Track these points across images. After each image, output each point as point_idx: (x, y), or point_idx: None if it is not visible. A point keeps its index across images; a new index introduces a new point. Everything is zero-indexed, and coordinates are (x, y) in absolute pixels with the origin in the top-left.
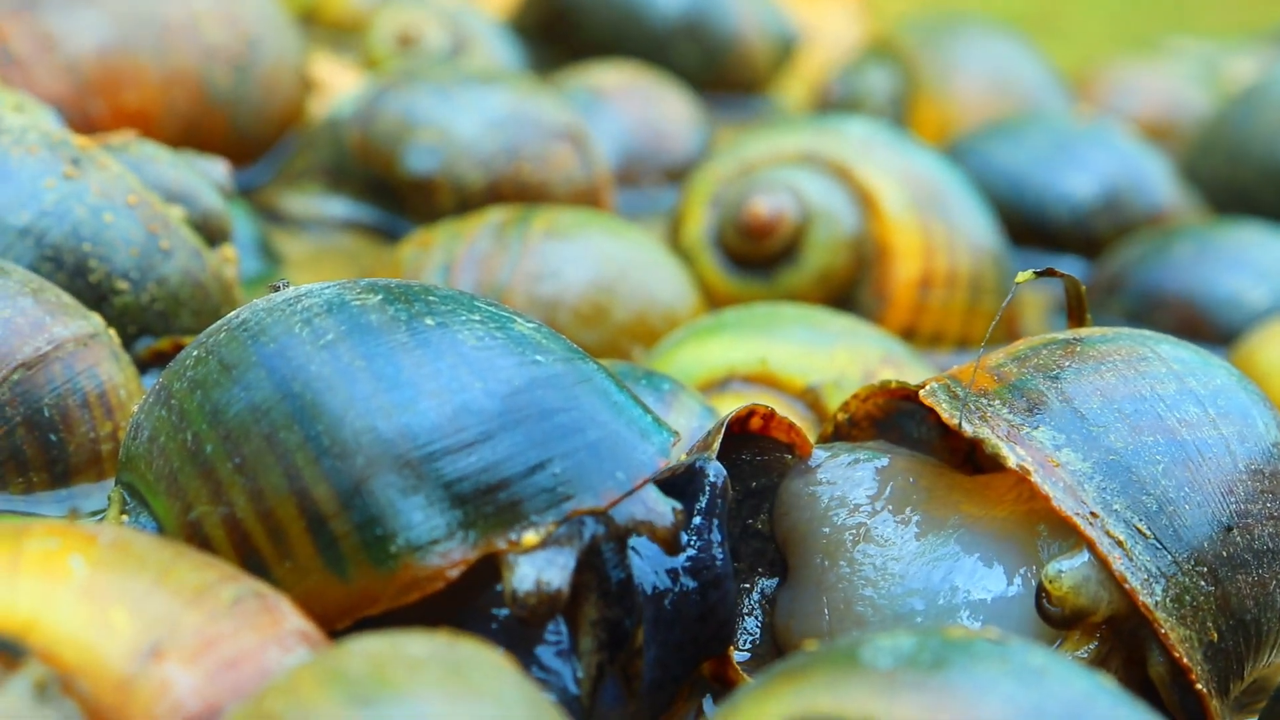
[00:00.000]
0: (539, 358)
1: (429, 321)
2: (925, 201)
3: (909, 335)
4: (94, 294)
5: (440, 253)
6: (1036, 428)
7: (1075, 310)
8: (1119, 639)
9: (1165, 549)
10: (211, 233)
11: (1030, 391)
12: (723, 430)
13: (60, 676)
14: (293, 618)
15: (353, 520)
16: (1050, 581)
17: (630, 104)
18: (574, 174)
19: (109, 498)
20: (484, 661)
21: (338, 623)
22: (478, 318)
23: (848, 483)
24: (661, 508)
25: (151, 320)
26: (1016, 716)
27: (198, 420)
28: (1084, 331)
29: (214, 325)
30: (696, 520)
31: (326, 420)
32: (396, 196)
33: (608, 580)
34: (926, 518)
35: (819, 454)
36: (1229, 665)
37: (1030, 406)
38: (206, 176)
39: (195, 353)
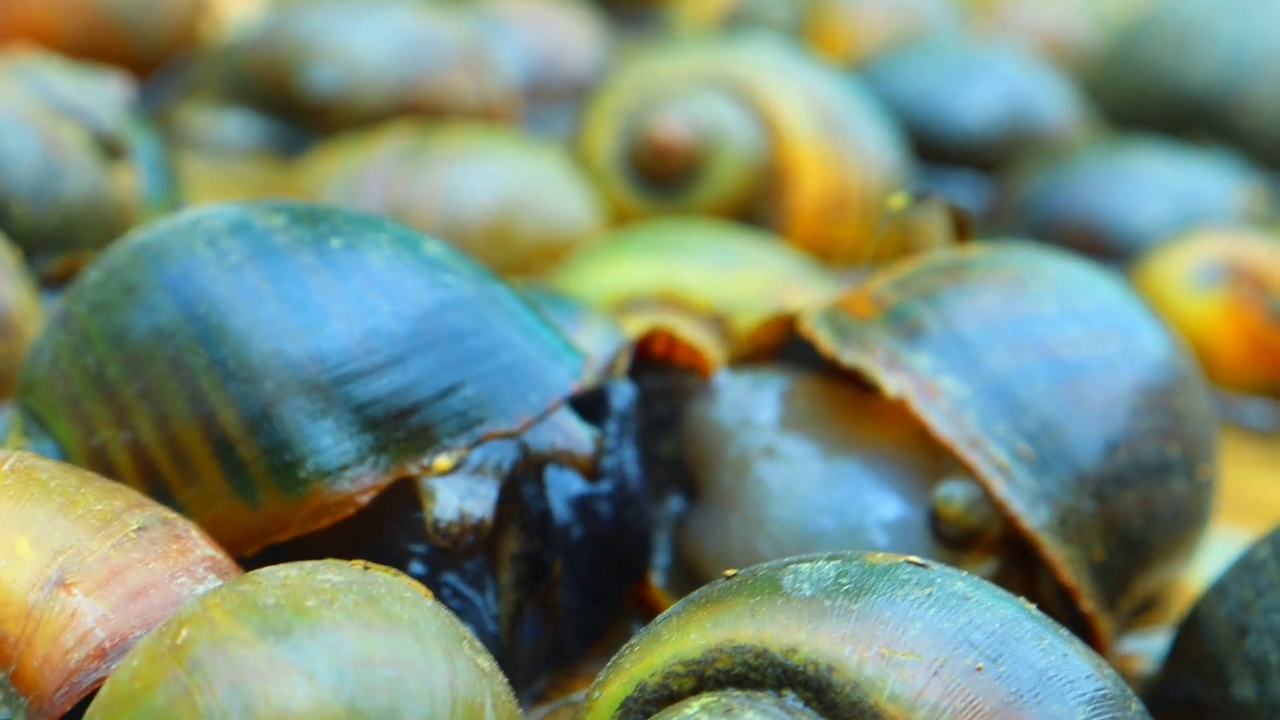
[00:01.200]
0: (448, 279)
1: (335, 242)
2: (829, 122)
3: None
4: None
5: (342, 172)
6: (916, 354)
7: (959, 232)
8: (1015, 557)
9: (1049, 470)
10: (110, 150)
11: (910, 317)
12: (630, 351)
13: None
14: (201, 545)
15: (260, 445)
16: (943, 503)
17: (530, 22)
18: (476, 94)
19: (9, 421)
20: (400, 590)
21: (246, 549)
22: (385, 238)
23: (752, 405)
24: (581, 435)
25: (49, 239)
26: (941, 644)
27: (100, 344)
28: (970, 253)
29: (114, 247)
30: (609, 443)
31: (232, 343)
32: (297, 115)
33: (529, 511)
34: (830, 439)
35: (722, 376)
36: (1116, 583)
37: (910, 332)
38: (104, 92)
39: (96, 275)
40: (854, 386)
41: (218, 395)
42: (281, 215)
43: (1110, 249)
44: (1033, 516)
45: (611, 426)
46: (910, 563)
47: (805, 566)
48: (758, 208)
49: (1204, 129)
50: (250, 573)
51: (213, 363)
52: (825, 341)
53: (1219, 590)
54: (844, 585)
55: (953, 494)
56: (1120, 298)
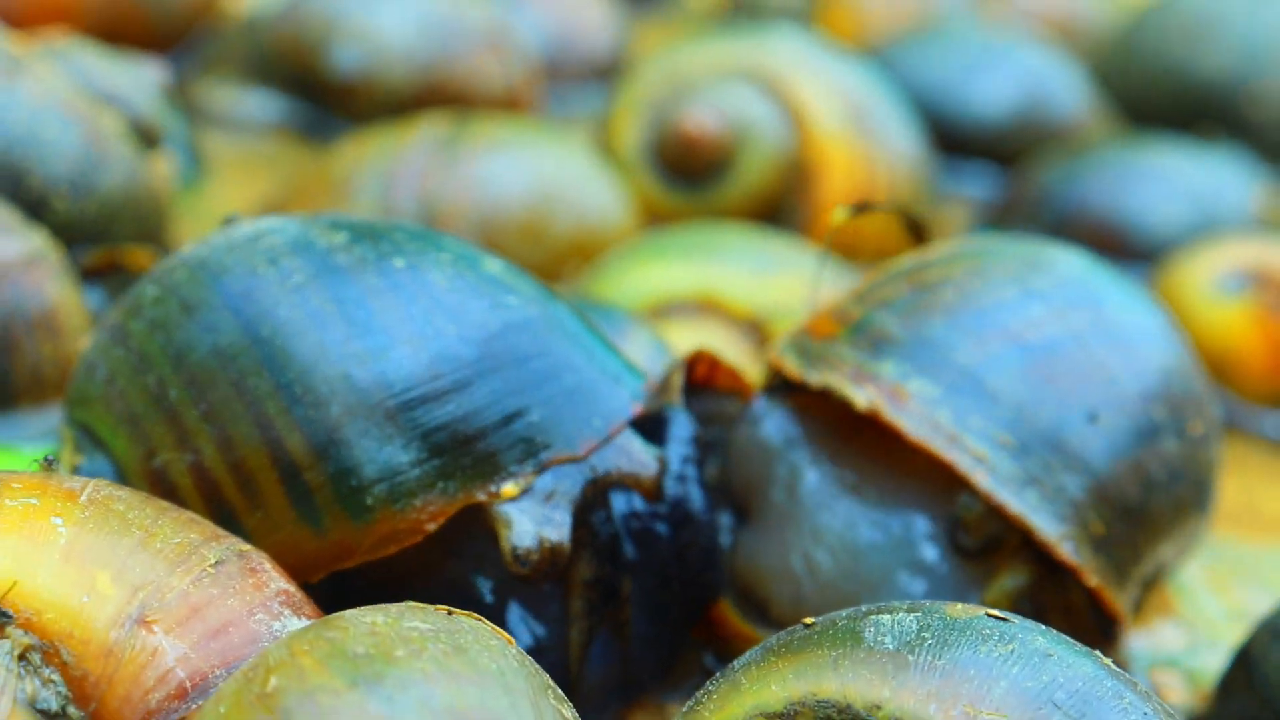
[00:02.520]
0: (511, 300)
1: (398, 262)
2: (856, 116)
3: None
4: (31, 205)
5: (376, 164)
6: (883, 362)
7: (916, 236)
8: (1045, 565)
9: (1030, 453)
10: (147, 138)
11: (873, 328)
12: (683, 374)
13: (43, 644)
14: (276, 579)
15: (327, 471)
16: (965, 510)
17: (546, 2)
18: (500, 75)
19: (60, 436)
20: (486, 639)
21: (311, 575)
22: (447, 257)
23: (793, 426)
24: (644, 457)
25: (87, 230)
26: (1026, 703)
27: (160, 363)
28: (929, 254)
29: (169, 262)
30: (674, 467)
31: (298, 367)
32: (320, 95)
33: (599, 536)
34: (865, 457)
35: (761, 400)
36: (1124, 554)
37: (875, 342)
38: (142, 78)
39: (152, 291)
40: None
41: (284, 419)
42: (343, 233)
43: (1127, 248)
44: (1019, 501)
45: (675, 450)
46: (990, 615)
47: (886, 618)
48: (785, 202)
49: (1214, 119)
50: (335, 616)
51: (278, 386)
52: (791, 367)
53: (1274, 632)
54: (926, 640)
55: (973, 502)
56: (1083, 268)
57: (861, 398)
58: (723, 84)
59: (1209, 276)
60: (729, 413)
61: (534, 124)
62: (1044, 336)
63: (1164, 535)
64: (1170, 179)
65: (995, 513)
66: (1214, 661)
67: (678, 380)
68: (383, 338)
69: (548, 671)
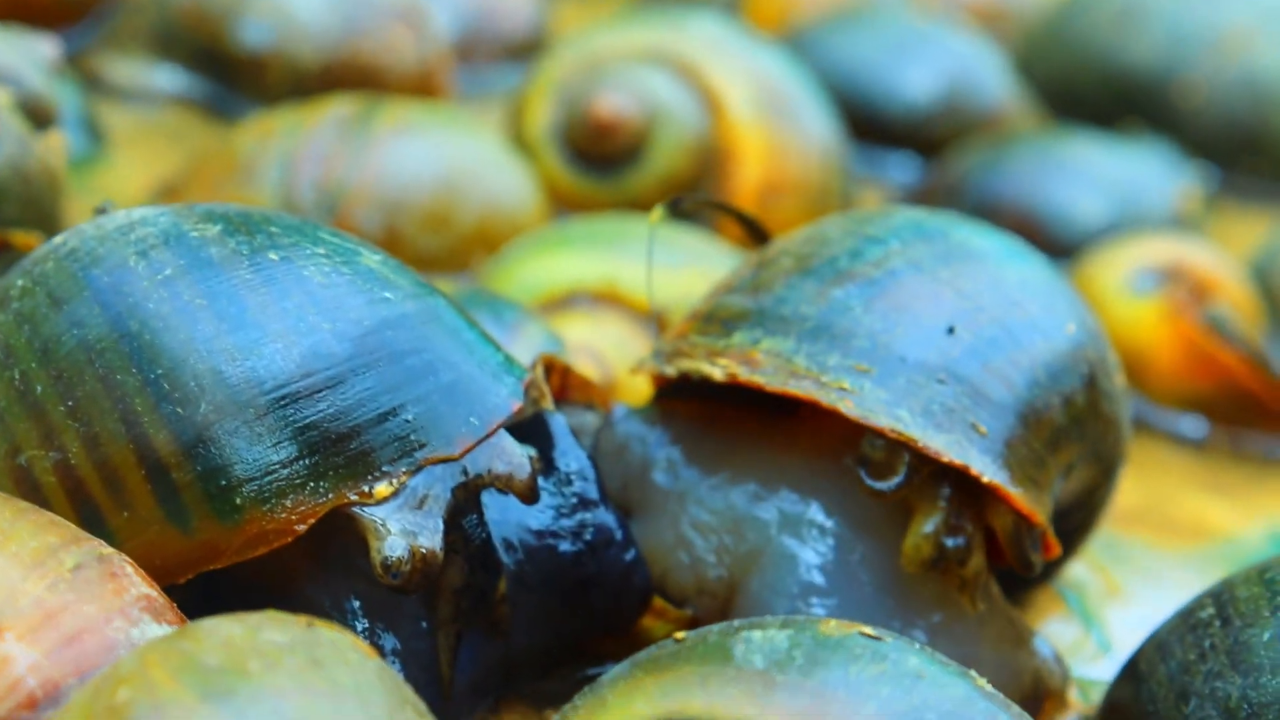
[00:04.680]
0: (388, 294)
1: (273, 256)
2: (772, 104)
3: (750, 242)
4: None
5: (280, 146)
6: (730, 335)
7: (751, 230)
8: (965, 496)
9: (894, 375)
10: (37, 116)
11: (719, 311)
12: (544, 376)
13: None
14: (137, 583)
15: (195, 470)
16: (870, 449)
17: None
18: (412, 54)
19: None
20: (345, 651)
21: (179, 575)
22: (323, 251)
23: (657, 431)
24: (517, 457)
25: None
26: None
27: (26, 357)
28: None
29: (39, 252)
30: (564, 468)
31: (166, 363)
32: (228, 71)
33: (471, 542)
34: (738, 452)
35: (620, 407)
36: (1024, 453)
37: (723, 323)
38: (33, 55)
39: (20, 282)
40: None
41: (151, 417)
42: (217, 225)
43: (1045, 242)
44: (894, 418)
45: (564, 450)
46: (863, 634)
47: (757, 635)
48: (698, 189)
49: (1141, 110)
50: (192, 626)
51: (146, 383)
52: (649, 369)
53: (1160, 647)
54: (796, 659)
55: (874, 439)
56: (924, 215)
57: (717, 371)
58: (636, 68)
59: (1122, 273)
60: (586, 424)
61: (444, 108)
62: (886, 270)
63: (1064, 435)
64: (1092, 172)
65: (902, 449)
66: (1110, 671)
67: (542, 382)
68: (254, 333)
69: (418, 675)
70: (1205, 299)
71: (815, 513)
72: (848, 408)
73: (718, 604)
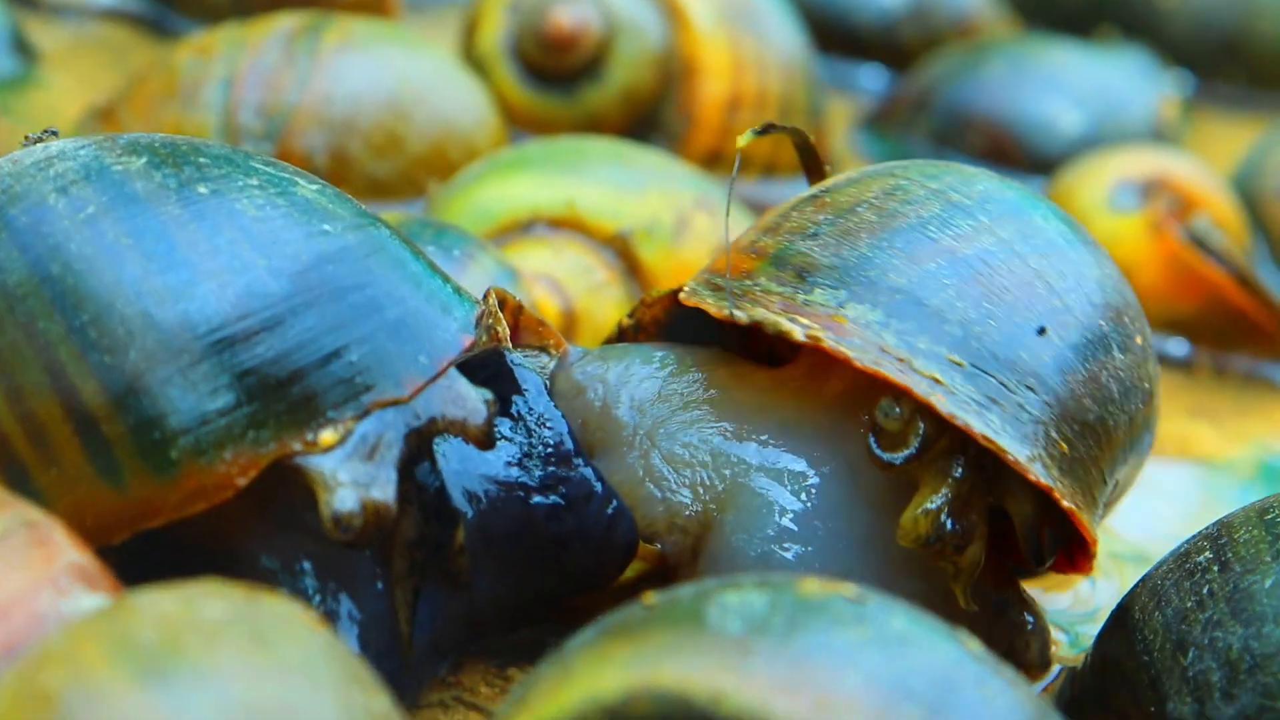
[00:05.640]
0: (327, 227)
1: (202, 189)
2: (735, 14)
3: (714, 159)
4: None
5: (221, 64)
6: (811, 291)
7: (811, 164)
8: (980, 477)
9: (985, 372)
10: None
11: (793, 257)
12: (497, 310)
13: None
14: (67, 550)
15: (126, 422)
16: (885, 417)
17: None
18: None
19: None
20: (289, 624)
21: (113, 536)
22: (255, 182)
23: (617, 371)
24: (472, 401)
25: None
26: (879, 691)
27: None
28: (828, 181)
29: None
30: (530, 413)
31: (92, 309)
32: None
33: (425, 491)
34: (723, 403)
35: (575, 350)
36: (1089, 474)
37: (799, 272)
38: None
39: None
40: (747, 359)
41: (77, 367)
42: (142, 157)
43: (1022, 155)
44: (983, 423)
45: (530, 394)
46: (844, 596)
47: (732, 597)
48: (657, 108)
49: (1117, 13)
50: (124, 600)
51: (70, 330)
52: (712, 306)
53: (1155, 593)
54: (775, 622)
55: (893, 408)
56: (997, 184)
57: (798, 331)
58: None
59: (1102, 189)
60: (540, 368)
61: (393, 25)
62: (977, 249)
63: (1121, 454)
64: (1069, 82)
65: (918, 419)
66: (1094, 615)
67: (500, 324)
68: (185, 273)
69: (375, 637)
70: (1188, 213)
71: (803, 464)
72: (940, 403)
73: (689, 541)
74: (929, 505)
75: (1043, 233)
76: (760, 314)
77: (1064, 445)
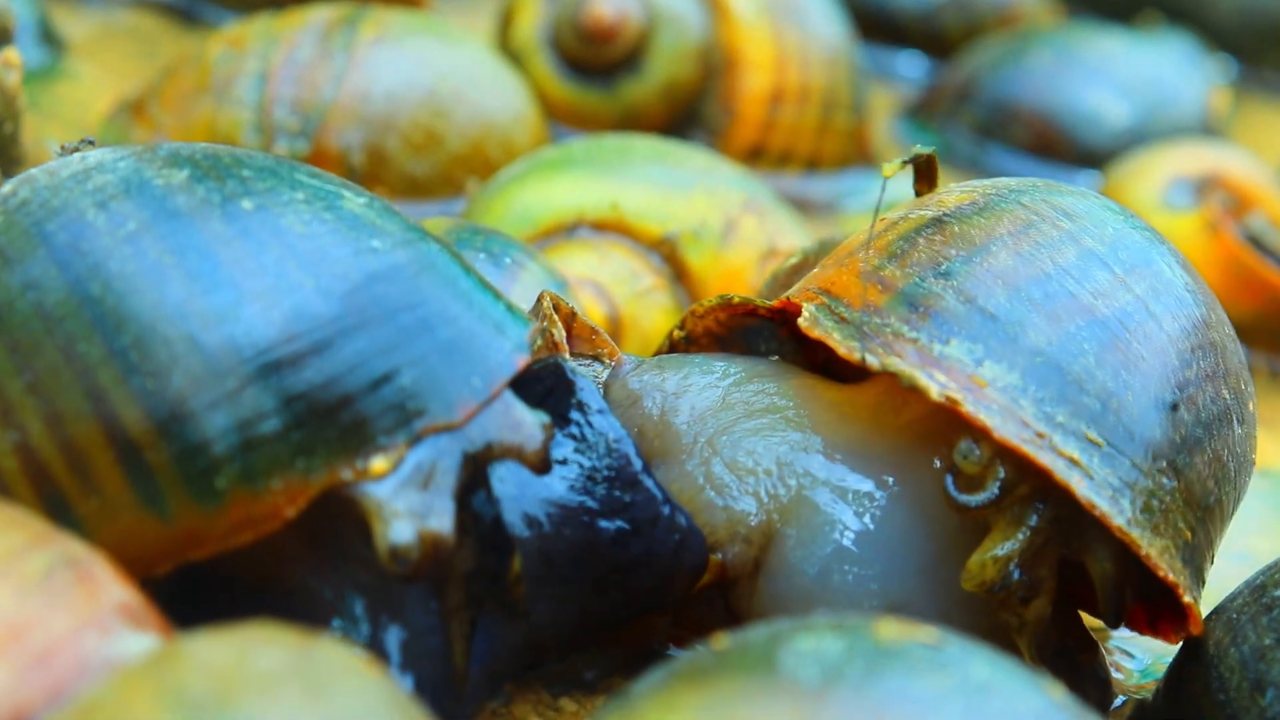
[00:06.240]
0: (375, 243)
1: (246, 204)
2: (778, 6)
3: (756, 154)
4: None
5: (255, 59)
6: (947, 342)
7: (925, 176)
8: (1057, 529)
9: (1121, 453)
10: None
11: (925, 297)
12: (555, 319)
13: None
14: (112, 588)
15: (170, 449)
16: (965, 460)
17: None
18: None
19: None
20: (345, 673)
21: (157, 567)
22: (301, 196)
23: (674, 381)
24: (528, 425)
25: None
26: None
27: None
28: (947, 202)
29: None
30: (592, 433)
31: (134, 330)
32: None
33: (481, 521)
34: (791, 417)
35: (629, 359)
36: (1204, 558)
37: (931, 316)
38: None
39: None
40: (809, 372)
41: (119, 391)
42: (184, 170)
43: (1069, 148)
44: (1119, 511)
45: (583, 410)
46: (923, 642)
47: (806, 642)
48: (698, 102)
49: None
50: (173, 648)
51: (112, 353)
52: (840, 345)
53: (1231, 628)
54: (851, 670)
55: (973, 450)
56: (1124, 221)
57: (934, 388)
58: None
59: (1156, 186)
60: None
61: (431, 17)
62: (1116, 309)
63: (1226, 526)
64: (1116, 72)
65: (998, 463)
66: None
67: (557, 328)
68: (230, 294)
69: (429, 667)
70: (1243, 211)
71: (870, 485)
72: (1080, 487)
73: (752, 552)
74: (998, 551)
75: (1172, 288)
76: (895, 364)
77: (1188, 533)
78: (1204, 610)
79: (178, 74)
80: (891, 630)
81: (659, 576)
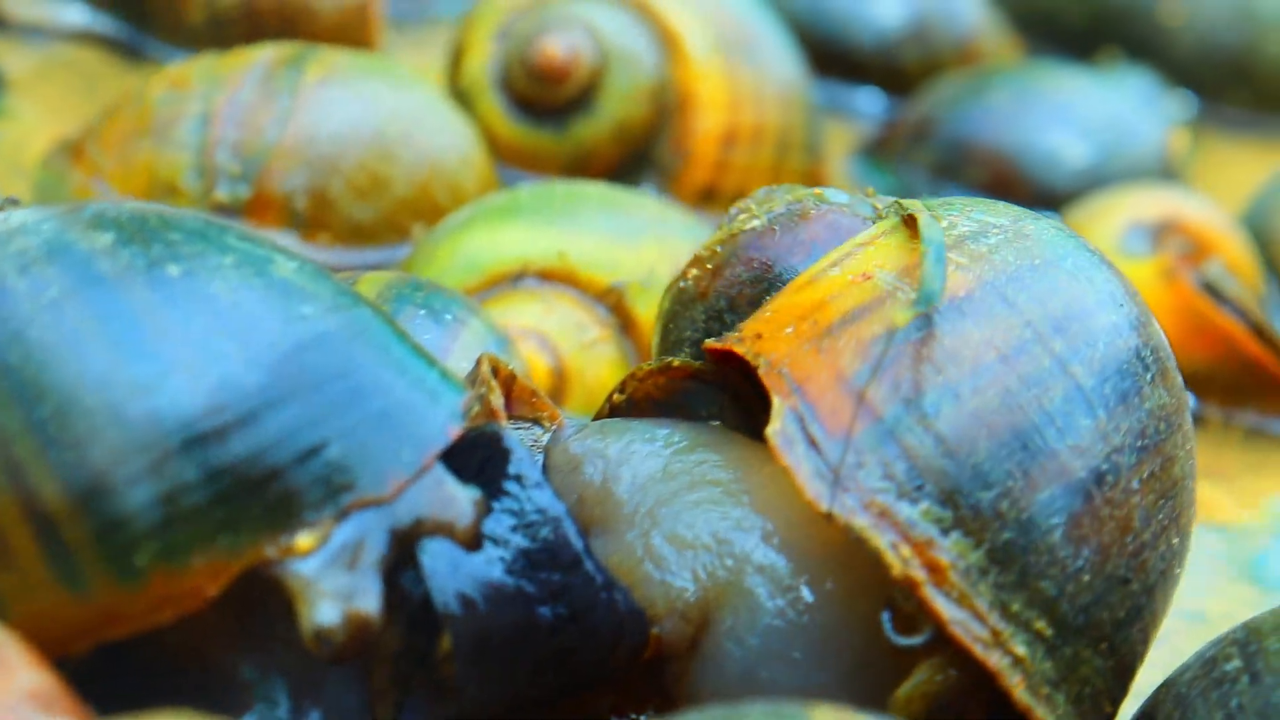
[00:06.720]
0: (306, 310)
1: (173, 270)
2: (733, 44)
3: (709, 195)
4: None
5: (197, 100)
6: (917, 503)
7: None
8: (979, 688)
9: (1065, 643)
10: None
11: (903, 437)
12: (495, 382)
13: None
14: (24, 671)
15: (89, 524)
16: (904, 599)
17: None
18: None
19: None
20: None
21: (76, 646)
22: (230, 260)
23: (617, 447)
24: (460, 502)
25: None
26: None
27: None
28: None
29: None
30: (530, 507)
31: (55, 401)
32: (140, 6)
33: (410, 600)
34: (732, 491)
35: (571, 423)
36: (1113, 710)
37: (907, 462)
38: None
39: None
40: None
41: (37, 464)
42: (108, 233)
43: (1025, 188)
44: (1051, 708)
45: (529, 486)
46: None
47: None
48: (650, 143)
49: (1121, 31)
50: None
51: (30, 424)
52: (808, 487)
53: (1180, 703)
54: None
55: (911, 596)
56: (1110, 331)
57: (897, 565)
58: (586, 4)
59: (1113, 232)
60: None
61: (379, 60)
62: (1090, 469)
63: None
64: (1075, 111)
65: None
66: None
67: (495, 394)
68: (154, 364)
69: None
70: (1200, 258)
71: (805, 577)
72: (1018, 687)
73: (689, 630)
74: (926, 689)
75: (1142, 428)
76: (858, 523)
77: (1109, 706)
78: (1155, 680)
79: (118, 114)
80: (827, 716)
81: (596, 658)
